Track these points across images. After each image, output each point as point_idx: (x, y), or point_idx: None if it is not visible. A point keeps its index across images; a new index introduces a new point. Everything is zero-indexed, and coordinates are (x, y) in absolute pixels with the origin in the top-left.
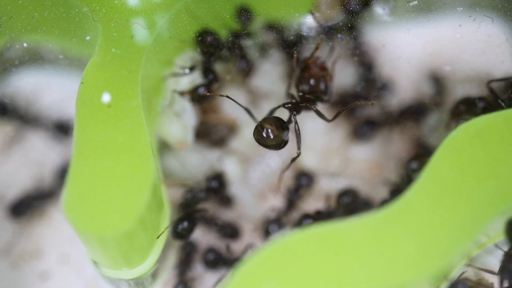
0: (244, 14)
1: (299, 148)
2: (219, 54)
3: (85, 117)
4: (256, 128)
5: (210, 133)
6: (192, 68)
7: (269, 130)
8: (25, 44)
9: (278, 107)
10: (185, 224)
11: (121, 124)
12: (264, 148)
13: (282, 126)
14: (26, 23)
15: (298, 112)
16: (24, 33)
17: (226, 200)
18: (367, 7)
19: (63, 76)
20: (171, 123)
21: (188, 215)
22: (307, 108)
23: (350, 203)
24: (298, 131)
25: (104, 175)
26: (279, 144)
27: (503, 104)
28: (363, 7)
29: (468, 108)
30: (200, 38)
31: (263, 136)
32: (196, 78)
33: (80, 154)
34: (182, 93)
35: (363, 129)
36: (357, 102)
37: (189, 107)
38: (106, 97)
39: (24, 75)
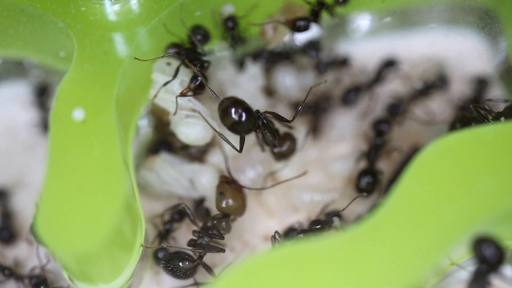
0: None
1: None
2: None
3: (59, 133)
4: (221, 113)
5: (189, 147)
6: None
7: (239, 110)
8: None
9: None
10: None
11: (95, 141)
12: (241, 162)
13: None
14: (0, 39)
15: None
16: None
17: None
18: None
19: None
20: (188, 127)
21: None
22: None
23: None
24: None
25: (77, 192)
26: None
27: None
28: (313, 24)
29: (464, 125)
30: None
31: (234, 119)
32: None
33: (53, 171)
34: (182, 95)
35: None
36: (311, 86)
37: (198, 104)
38: (80, 114)
39: (6, 89)
